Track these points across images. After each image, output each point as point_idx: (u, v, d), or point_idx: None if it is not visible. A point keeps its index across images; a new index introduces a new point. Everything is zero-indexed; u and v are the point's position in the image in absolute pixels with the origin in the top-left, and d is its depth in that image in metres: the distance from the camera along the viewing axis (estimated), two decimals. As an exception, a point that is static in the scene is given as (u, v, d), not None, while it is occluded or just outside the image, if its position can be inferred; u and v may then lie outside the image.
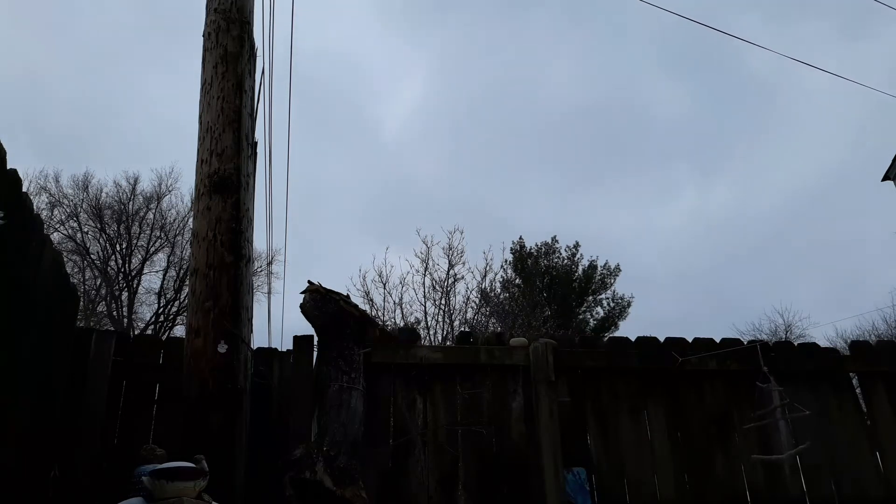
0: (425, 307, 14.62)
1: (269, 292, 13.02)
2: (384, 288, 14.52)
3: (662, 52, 41.65)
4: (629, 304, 24.24)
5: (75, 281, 16.82)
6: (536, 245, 24.93)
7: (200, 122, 3.78)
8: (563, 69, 39.81)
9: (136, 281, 20.47)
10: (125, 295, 20.37)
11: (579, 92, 39.73)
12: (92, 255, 20.03)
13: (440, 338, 14.04)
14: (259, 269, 17.84)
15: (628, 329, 23.40)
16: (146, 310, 20.78)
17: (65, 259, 4.06)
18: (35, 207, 3.14)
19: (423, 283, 14.84)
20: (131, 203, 21.08)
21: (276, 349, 4.00)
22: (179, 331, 19.50)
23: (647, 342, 4.38)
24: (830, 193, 36.03)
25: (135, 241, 20.65)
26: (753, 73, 42.11)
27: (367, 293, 14.22)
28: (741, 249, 34.74)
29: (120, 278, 20.26)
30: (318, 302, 3.58)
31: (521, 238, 24.87)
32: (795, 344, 4.77)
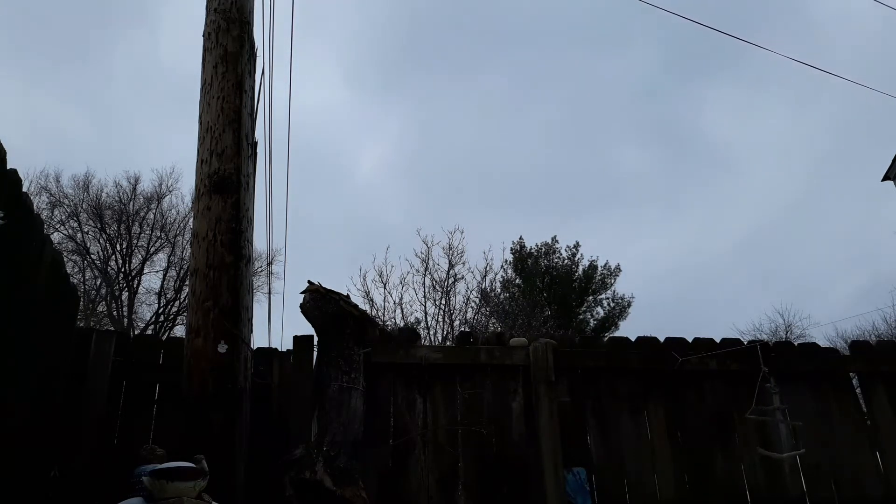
0: (425, 307, 14.63)
1: (269, 292, 13.00)
2: (384, 288, 14.53)
3: (624, 118, 44.94)
4: (629, 305, 24.24)
5: (75, 281, 16.82)
6: (537, 245, 24.93)
7: (200, 122, 3.78)
8: (528, 131, 42.03)
9: (136, 281, 20.47)
10: (125, 295, 20.37)
11: (544, 149, 41.93)
12: (92, 255, 20.03)
13: (440, 338, 14.04)
14: (259, 269, 17.82)
15: (628, 329, 23.50)
16: (146, 310, 20.79)
17: (65, 259, 4.06)
18: (35, 207, 3.14)
19: (423, 283, 14.85)
20: (132, 203, 21.07)
21: (276, 349, 4.00)
22: (179, 331, 19.51)
23: (647, 342, 4.38)
24: (783, 224, 40.54)
25: (135, 241, 20.64)
26: (709, 135, 46.08)
27: (367, 293, 14.23)
28: (710, 275, 38.15)
29: (120, 278, 20.26)
30: (319, 302, 3.58)
31: (521, 238, 24.89)
32: (796, 344, 4.78)
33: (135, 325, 19.61)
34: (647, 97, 44.75)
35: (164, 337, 12.45)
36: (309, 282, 3.68)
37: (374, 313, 13.46)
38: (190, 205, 19.56)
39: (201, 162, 3.67)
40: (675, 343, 4.35)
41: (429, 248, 15.14)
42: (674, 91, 46.94)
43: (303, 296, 3.65)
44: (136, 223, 20.85)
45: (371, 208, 34.72)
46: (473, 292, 15.74)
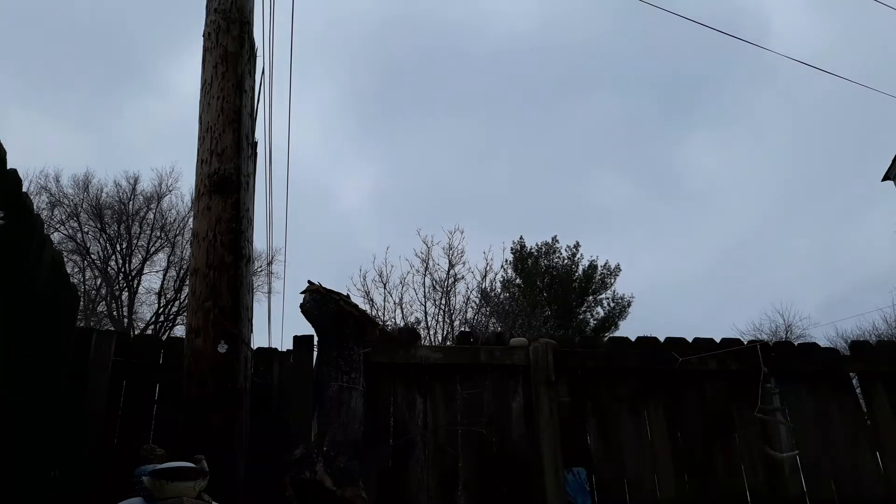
0: (425, 307, 14.64)
1: (269, 292, 13.00)
2: (384, 288, 14.53)
3: (599, 150, 45.48)
4: (629, 305, 24.28)
5: (75, 281, 16.81)
6: (537, 245, 24.95)
7: (200, 122, 3.78)
8: (512, 166, 42.90)
9: (136, 281, 20.47)
10: (125, 295, 20.38)
11: (527, 181, 42.77)
12: (92, 255, 20.03)
13: (440, 338, 14.05)
14: (259, 269, 17.80)
15: (628, 329, 23.54)
16: (146, 310, 20.79)
17: (65, 259, 4.06)
18: (35, 207, 3.14)
19: (423, 283, 14.86)
20: (131, 203, 21.08)
21: (276, 349, 4.00)
22: (179, 331, 19.50)
23: (647, 342, 4.38)
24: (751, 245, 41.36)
25: (135, 241, 20.64)
26: (698, 163, 47.10)
27: (368, 293, 14.23)
28: (709, 276, 39.06)
29: (120, 278, 20.27)
30: (319, 302, 3.58)
31: (521, 238, 24.90)
32: (795, 344, 4.78)
33: (135, 325, 19.61)
34: (631, 134, 45.45)
35: (164, 337, 12.44)
36: (309, 282, 3.68)
37: (374, 313, 13.46)
38: (190, 205, 19.58)
39: (201, 162, 3.67)
40: (675, 343, 4.35)
41: (429, 248, 15.15)
42: (661, 127, 47.67)
43: (303, 296, 3.65)
44: (136, 223, 20.86)
45: (353, 235, 35.11)
46: (473, 292, 15.77)
